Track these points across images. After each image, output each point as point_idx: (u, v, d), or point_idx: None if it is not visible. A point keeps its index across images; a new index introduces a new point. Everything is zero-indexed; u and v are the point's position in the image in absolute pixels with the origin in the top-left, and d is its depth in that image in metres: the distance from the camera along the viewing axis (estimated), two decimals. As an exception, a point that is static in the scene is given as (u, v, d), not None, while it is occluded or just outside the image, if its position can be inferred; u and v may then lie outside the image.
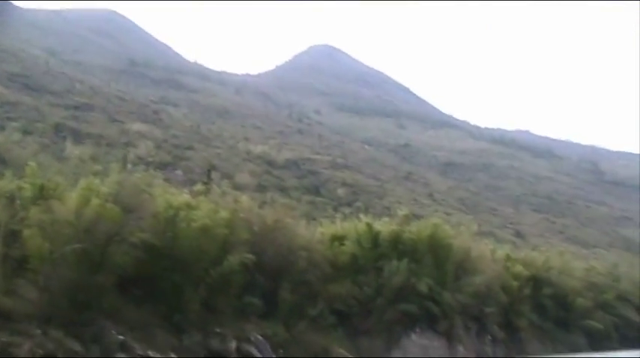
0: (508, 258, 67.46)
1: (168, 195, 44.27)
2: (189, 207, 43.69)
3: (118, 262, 37.69)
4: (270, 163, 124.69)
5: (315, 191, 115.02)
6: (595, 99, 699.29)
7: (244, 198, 52.73)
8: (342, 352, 47.50)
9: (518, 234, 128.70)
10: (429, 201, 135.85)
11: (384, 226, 55.69)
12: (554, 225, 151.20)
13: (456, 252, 55.81)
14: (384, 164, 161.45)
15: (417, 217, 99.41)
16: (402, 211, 63.12)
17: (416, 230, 55.21)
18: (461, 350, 52.43)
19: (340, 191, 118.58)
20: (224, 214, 43.70)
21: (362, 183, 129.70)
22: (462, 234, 60.80)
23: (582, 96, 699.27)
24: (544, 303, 67.13)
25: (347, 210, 67.63)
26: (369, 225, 54.65)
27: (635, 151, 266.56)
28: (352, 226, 55.53)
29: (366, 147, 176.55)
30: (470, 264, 57.13)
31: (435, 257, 53.91)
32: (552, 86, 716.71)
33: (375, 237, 53.92)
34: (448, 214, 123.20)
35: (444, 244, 55.10)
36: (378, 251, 53.65)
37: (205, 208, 43.76)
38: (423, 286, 50.89)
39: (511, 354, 58.07)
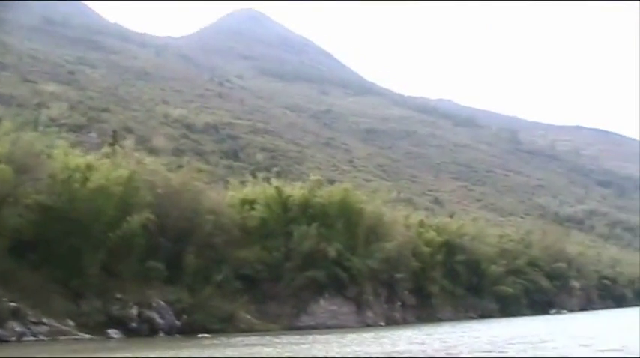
0: (421, 224, 67.23)
1: (67, 156, 42.07)
2: (88, 168, 41.62)
3: (11, 225, 35.63)
4: (189, 127, 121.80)
5: (234, 155, 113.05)
6: (514, 70, 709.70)
7: (148, 160, 50.80)
8: (249, 318, 46.45)
9: (437, 201, 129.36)
10: (349, 167, 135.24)
11: (294, 190, 54.42)
12: (472, 192, 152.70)
13: (367, 217, 55.06)
14: (305, 130, 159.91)
15: (337, 183, 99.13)
16: (314, 175, 62.09)
17: (327, 195, 54.13)
18: (370, 315, 51.90)
19: (259, 156, 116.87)
20: (121, 173, 41.66)
21: (282, 149, 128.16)
22: (375, 200, 60.11)
23: (503, 66, 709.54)
24: (456, 269, 67.33)
25: (265, 175, 66.20)
26: (278, 189, 53.35)
27: (552, 122, 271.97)
28: (262, 190, 54.05)
29: (288, 112, 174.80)
30: (382, 229, 56.45)
31: (345, 222, 53.06)
32: (474, 56, 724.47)
33: (284, 202, 52.70)
34: (368, 181, 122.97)
35: (356, 209, 54.29)
36: (288, 215, 52.48)
37: (105, 169, 41.76)
38: (332, 251, 49.92)
39: (422, 320, 57.87)
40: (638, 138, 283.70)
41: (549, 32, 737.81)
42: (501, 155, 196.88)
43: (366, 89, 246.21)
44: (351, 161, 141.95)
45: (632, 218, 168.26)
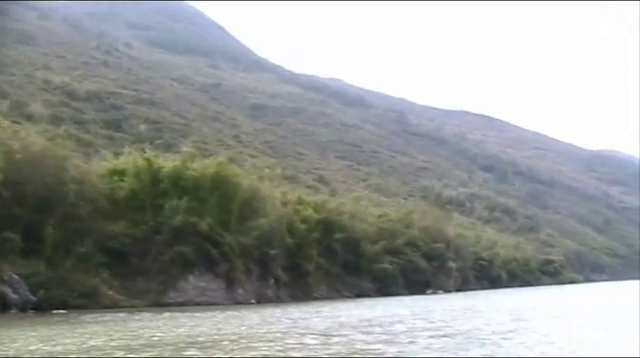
0: (300, 200, 66.18)
1: None
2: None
3: None
4: (70, 94, 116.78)
5: (116, 126, 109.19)
6: (404, 52, 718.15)
7: (6, 123, 47.54)
8: (112, 293, 44.28)
9: (322, 180, 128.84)
10: (235, 142, 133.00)
11: (166, 162, 52.13)
12: (358, 172, 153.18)
13: (242, 192, 53.38)
14: (192, 103, 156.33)
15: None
16: (187, 147, 59.92)
17: (201, 167, 52.13)
18: (241, 293, 50.33)
19: (142, 127, 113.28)
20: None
21: (167, 121, 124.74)
22: (251, 174, 58.47)
23: (393, 49, 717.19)
24: (334, 247, 66.57)
25: (147, 147, 63.56)
26: (148, 160, 51.02)
27: (440, 106, 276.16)
28: (132, 160, 51.52)
29: (175, 84, 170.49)
30: (257, 204, 54.91)
31: (219, 196, 51.22)
32: (365, 37, 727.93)
33: (155, 173, 50.39)
34: (253, 156, 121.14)
35: (230, 183, 52.56)
36: (159, 188, 50.24)
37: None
38: (203, 226, 48.13)
39: (296, 298, 56.81)
40: (520, 125, 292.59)
41: (437, 17, 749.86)
42: (388, 136, 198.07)
43: (256, 64, 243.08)
44: (237, 136, 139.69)
45: (511, 202, 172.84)
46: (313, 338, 18.53)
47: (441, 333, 19.25)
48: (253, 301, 50.21)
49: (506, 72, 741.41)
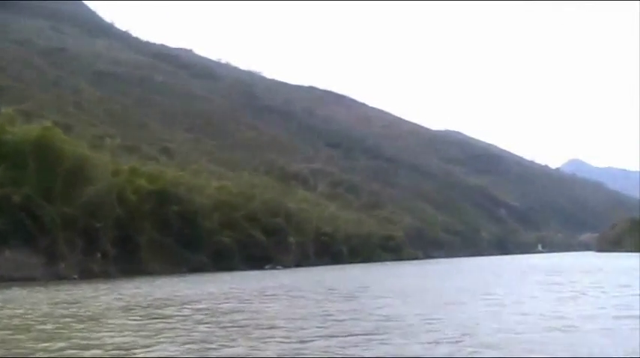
0: (134, 170, 63.10)
1: None
2: None
3: None
4: None
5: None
6: (253, 25, 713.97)
7: None
8: None
9: (166, 151, 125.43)
10: (75, 109, 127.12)
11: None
12: (203, 144, 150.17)
13: (68, 159, 49.99)
14: (32, 67, 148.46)
15: (61, 126, 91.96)
16: (5, 109, 55.74)
17: (21, 132, 48.36)
18: (63, 267, 47.22)
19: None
20: None
21: (3, 85, 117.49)
22: (79, 142, 55.08)
23: (242, 21, 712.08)
24: (169, 220, 64.07)
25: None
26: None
27: (288, 81, 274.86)
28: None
29: (14, 46, 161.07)
30: (85, 173, 51.62)
31: (42, 164, 47.69)
32: (216, 8, 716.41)
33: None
34: (94, 125, 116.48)
35: (55, 149, 49.01)
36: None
37: None
38: (17, 197, 44.55)
39: (127, 273, 53.96)
40: (367, 103, 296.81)
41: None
42: (236, 109, 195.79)
43: (102, 29, 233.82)
44: (78, 103, 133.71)
45: (356, 178, 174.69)
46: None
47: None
48: (76, 276, 47.17)
49: (353, 48, 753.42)
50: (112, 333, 13.89)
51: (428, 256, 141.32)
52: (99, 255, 51.85)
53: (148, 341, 12.39)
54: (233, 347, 11.40)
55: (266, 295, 26.30)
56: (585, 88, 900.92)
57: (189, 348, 11.58)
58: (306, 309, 17.88)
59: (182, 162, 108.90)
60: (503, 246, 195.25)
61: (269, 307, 19.48)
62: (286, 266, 79.77)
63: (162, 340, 12.49)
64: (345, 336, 12.00)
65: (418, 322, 14.24)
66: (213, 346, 11.48)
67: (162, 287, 35.20)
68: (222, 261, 69.88)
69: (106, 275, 50.57)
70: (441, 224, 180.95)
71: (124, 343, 12.39)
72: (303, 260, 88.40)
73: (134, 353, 11.22)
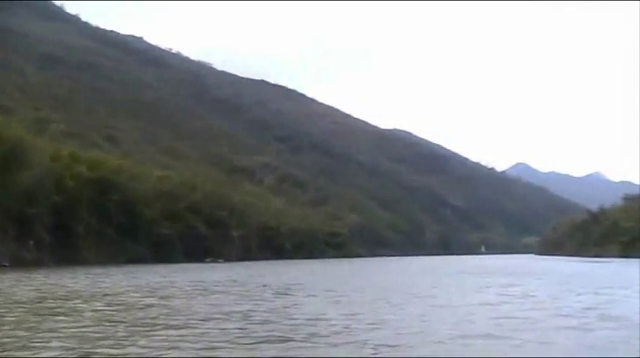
0: (74, 156, 61.48)
1: None
2: None
3: None
4: None
5: None
6: (205, 15, 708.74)
7: None
8: None
9: (111, 139, 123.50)
10: (19, 93, 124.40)
11: None
12: (150, 134, 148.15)
13: (4, 143, 48.42)
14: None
15: (3, 108, 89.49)
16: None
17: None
18: (-7, 254, 45.76)
19: None
20: None
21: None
22: (19, 125, 53.43)
23: (194, 10, 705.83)
24: (108, 209, 62.63)
25: None
26: None
27: (240, 74, 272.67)
28: None
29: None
30: (22, 158, 50.04)
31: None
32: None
33: None
34: (38, 109, 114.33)
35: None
36: None
37: None
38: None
39: (63, 262, 52.47)
40: (317, 99, 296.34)
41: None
42: (185, 100, 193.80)
43: (51, 12, 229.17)
44: (22, 87, 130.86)
45: (303, 174, 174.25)
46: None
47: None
48: (6, 264, 45.63)
49: (304, 43, 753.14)
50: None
51: (373, 254, 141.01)
52: (32, 242, 50.31)
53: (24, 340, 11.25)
54: (117, 348, 10.45)
55: (196, 290, 25.32)
56: (533, 93, 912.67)
57: (65, 346, 10.52)
58: (228, 307, 16.96)
59: (127, 151, 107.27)
60: (447, 246, 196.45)
61: (190, 304, 18.44)
62: (228, 259, 78.65)
63: (37, 339, 11.34)
64: (254, 342, 11.10)
65: (338, 323, 13.53)
66: (97, 349, 10.40)
67: (91, 278, 34.03)
68: (161, 252, 68.52)
69: (39, 264, 49.08)
70: (387, 222, 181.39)
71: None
72: (246, 254, 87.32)
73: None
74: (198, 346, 10.55)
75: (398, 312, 16.21)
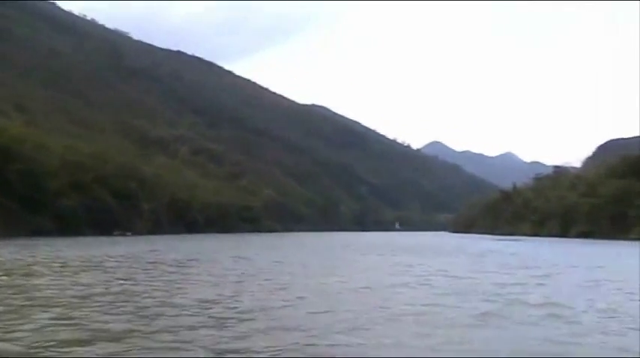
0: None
1: None
2: None
3: None
4: None
5: None
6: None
7: None
8: None
9: (20, 108, 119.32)
10: None
11: None
12: (62, 103, 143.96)
13: None
14: None
15: None
16: None
17: None
18: None
19: None
20: None
21: None
22: None
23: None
24: (10, 179, 60.52)
25: None
26: None
27: (155, 44, 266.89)
28: None
29: None
30: None
31: None
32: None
33: None
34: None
35: None
36: None
37: None
38: None
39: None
40: (235, 72, 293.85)
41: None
42: (100, 69, 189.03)
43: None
44: None
45: (219, 147, 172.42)
46: None
47: None
48: None
49: (223, 14, 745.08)
50: None
51: (287, 229, 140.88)
52: None
53: None
54: None
55: (79, 266, 23.90)
56: (448, 71, 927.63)
57: None
58: (97, 288, 15.77)
59: (36, 120, 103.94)
60: (362, 223, 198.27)
61: (61, 284, 16.98)
62: (137, 233, 77.17)
63: None
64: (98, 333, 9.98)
65: (212, 305, 12.87)
66: None
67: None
68: (67, 225, 66.60)
69: None
70: (302, 197, 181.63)
71: None
72: (156, 227, 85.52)
73: None
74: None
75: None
